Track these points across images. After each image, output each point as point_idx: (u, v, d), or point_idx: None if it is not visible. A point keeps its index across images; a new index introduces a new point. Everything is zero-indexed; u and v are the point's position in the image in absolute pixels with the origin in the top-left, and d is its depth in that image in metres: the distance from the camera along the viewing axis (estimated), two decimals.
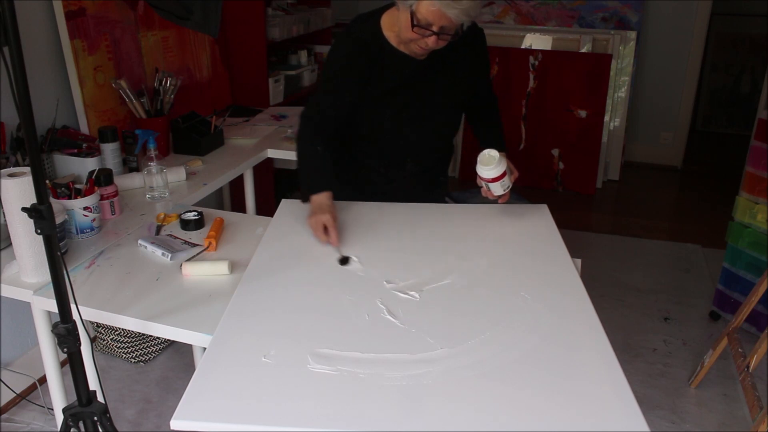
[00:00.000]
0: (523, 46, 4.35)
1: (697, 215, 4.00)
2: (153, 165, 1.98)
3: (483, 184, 1.68)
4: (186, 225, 1.74)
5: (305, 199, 1.64)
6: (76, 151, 2.05)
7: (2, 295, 1.49)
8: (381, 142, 1.77)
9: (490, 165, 1.63)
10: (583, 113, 4.20)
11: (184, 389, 1.05)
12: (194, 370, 1.14)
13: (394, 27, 1.62)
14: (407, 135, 1.76)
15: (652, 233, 3.71)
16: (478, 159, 1.65)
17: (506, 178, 1.67)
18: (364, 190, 1.86)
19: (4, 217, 1.48)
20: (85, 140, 2.14)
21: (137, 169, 2.21)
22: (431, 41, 1.52)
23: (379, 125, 1.74)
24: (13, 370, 2.23)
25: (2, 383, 2.16)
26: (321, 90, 1.72)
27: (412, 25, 1.50)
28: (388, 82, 1.67)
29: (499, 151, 1.65)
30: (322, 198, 1.60)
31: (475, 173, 1.67)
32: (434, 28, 1.49)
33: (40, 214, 1.13)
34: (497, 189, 1.68)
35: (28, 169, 1.38)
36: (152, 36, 2.63)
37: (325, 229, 1.54)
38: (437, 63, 1.68)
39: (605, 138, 4.36)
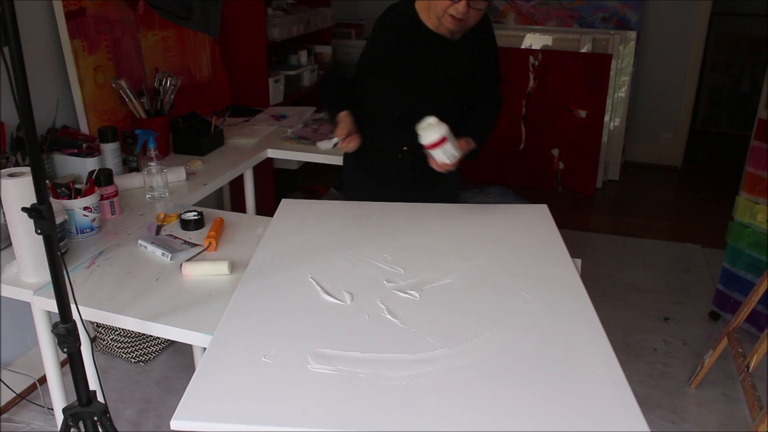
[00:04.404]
0: (523, 46, 4.35)
1: (697, 215, 4.00)
2: (153, 165, 1.98)
3: (427, 153, 1.68)
4: (186, 225, 1.74)
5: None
6: (76, 151, 2.05)
7: (2, 295, 1.49)
8: (380, 112, 1.81)
9: (428, 131, 1.62)
10: (583, 113, 4.19)
11: (184, 389, 1.05)
12: (194, 370, 1.14)
13: (428, 9, 1.67)
14: (404, 104, 1.79)
15: (652, 233, 3.71)
16: (418, 128, 1.65)
17: (448, 145, 1.63)
18: (365, 174, 1.90)
19: (4, 217, 1.48)
20: (85, 140, 2.14)
21: (137, 169, 2.21)
22: (462, 6, 1.55)
23: (379, 94, 1.80)
24: (13, 370, 2.23)
25: (2, 383, 2.16)
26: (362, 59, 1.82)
27: None
28: (427, 59, 1.74)
29: (477, 142, 1.72)
30: (342, 115, 1.75)
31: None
32: None
33: (40, 214, 1.13)
34: (440, 156, 1.65)
35: (28, 169, 1.38)
36: (152, 36, 2.63)
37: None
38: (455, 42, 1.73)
39: (605, 138, 4.36)
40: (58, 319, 1.24)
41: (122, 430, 2.11)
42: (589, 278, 1.50)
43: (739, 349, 2.18)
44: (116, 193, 1.84)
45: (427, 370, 1.10)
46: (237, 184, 2.96)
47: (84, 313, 1.34)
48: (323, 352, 1.15)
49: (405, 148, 1.82)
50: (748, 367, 2.07)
